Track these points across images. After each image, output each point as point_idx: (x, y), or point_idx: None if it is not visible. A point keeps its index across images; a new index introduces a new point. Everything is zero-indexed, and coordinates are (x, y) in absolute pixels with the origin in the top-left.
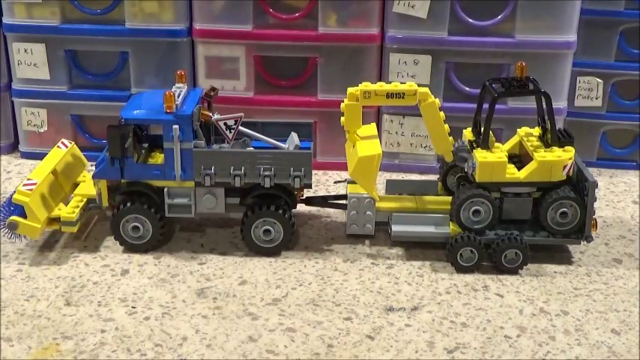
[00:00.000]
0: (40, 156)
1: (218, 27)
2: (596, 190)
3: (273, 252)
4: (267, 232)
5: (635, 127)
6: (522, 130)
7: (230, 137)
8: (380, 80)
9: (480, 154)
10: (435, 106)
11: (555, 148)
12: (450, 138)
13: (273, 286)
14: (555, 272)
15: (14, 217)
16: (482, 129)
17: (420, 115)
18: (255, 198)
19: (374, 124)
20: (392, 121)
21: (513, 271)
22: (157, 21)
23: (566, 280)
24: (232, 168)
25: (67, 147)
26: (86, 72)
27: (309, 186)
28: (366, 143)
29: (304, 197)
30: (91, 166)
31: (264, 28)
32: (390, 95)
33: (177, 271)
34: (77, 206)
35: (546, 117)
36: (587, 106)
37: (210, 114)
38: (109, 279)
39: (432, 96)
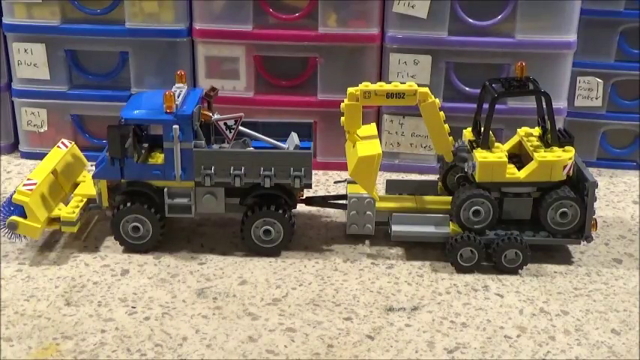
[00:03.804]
0: (40, 156)
1: (218, 27)
2: (596, 190)
3: (273, 252)
4: (267, 232)
5: (635, 127)
6: (522, 130)
7: (230, 137)
8: (380, 80)
9: (480, 154)
10: (435, 106)
11: (555, 148)
12: (450, 138)
13: (273, 286)
14: (555, 272)
15: (14, 217)
16: (483, 129)
17: (420, 115)
18: (255, 198)
19: (374, 124)
20: (392, 121)
21: (513, 271)
22: (157, 21)
23: (566, 280)
24: (232, 168)
25: (67, 147)
26: (86, 72)
27: (309, 186)
28: (366, 143)
29: (304, 197)
30: (91, 166)
31: (264, 28)
32: (390, 95)
33: (177, 271)
34: (77, 206)
35: (546, 117)
36: (587, 106)
37: (210, 114)
38: (109, 279)
39: (432, 96)
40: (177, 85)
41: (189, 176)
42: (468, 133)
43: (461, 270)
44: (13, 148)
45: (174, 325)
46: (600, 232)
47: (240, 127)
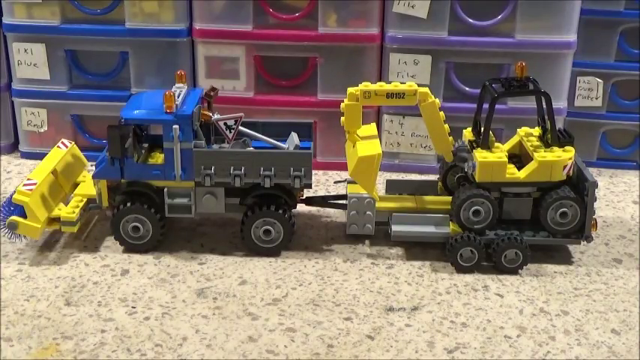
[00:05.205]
0: (40, 156)
1: (218, 27)
2: (596, 190)
3: (273, 252)
4: (267, 232)
5: (635, 127)
6: (522, 130)
7: (230, 137)
8: (380, 80)
9: (480, 154)
10: (435, 106)
11: (555, 148)
12: (450, 138)
13: (273, 286)
14: (555, 272)
15: (14, 217)
16: (483, 129)
17: (420, 115)
18: (255, 198)
19: (374, 124)
20: (392, 121)
21: (513, 271)
22: (157, 21)
23: (566, 280)
24: (232, 168)
25: (67, 147)
26: (86, 72)
27: (309, 186)
28: (366, 143)
29: (304, 197)
30: (91, 166)
31: (264, 28)
32: (390, 95)
33: (177, 271)
34: (77, 206)
35: (546, 117)
36: (587, 106)
37: (210, 114)
38: (109, 279)
39: (432, 96)
40: (177, 85)
41: (189, 176)
42: (467, 133)
43: (461, 270)
44: (13, 148)
45: (174, 325)
46: (600, 232)
47: (240, 127)
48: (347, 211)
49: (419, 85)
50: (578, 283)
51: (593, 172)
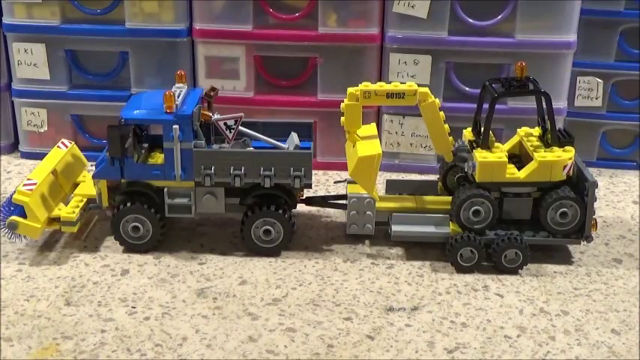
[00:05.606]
0: (40, 156)
1: (218, 27)
2: (596, 190)
3: (273, 252)
4: (267, 232)
5: (635, 127)
6: (522, 130)
7: (230, 137)
8: (380, 80)
9: (480, 154)
10: (435, 106)
11: (555, 148)
12: (450, 138)
13: (273, 286)
14: (555, 272)
15: (14, 217)
16: (483, 129)
17: (420, 115)
18: (255, 198)
19: (374, 124)
20: (392, 121)
21: (513, 271)
22: (157, 21)
23: (566, 280)
24: (232, 168)
25: (67, 147)
26: (86, 72)
27: (309, 186)
28: (366, 143)
29: (304, 197)
30: (91, 166)
31: (264, 28)
32: (390, 95)
33: (177, 271)
34: (77, 206)
35: (546, 117)
36: (587, 106)
37: (210, 114)
38: (109, 279)
39: (432, 96)
40: (177, 85)
41: (189, 176)
42: (468, 133)
43: (461, 270)
44: (13, 148)
45: (174, 325)
46: (600, 232)
47: (240, 127)
48: (347, 211)
49: (419, 85)
50: (578, 283)
51: (593, 172)
